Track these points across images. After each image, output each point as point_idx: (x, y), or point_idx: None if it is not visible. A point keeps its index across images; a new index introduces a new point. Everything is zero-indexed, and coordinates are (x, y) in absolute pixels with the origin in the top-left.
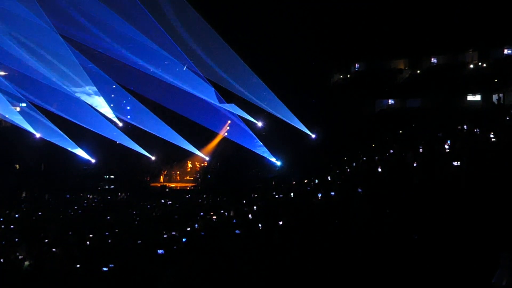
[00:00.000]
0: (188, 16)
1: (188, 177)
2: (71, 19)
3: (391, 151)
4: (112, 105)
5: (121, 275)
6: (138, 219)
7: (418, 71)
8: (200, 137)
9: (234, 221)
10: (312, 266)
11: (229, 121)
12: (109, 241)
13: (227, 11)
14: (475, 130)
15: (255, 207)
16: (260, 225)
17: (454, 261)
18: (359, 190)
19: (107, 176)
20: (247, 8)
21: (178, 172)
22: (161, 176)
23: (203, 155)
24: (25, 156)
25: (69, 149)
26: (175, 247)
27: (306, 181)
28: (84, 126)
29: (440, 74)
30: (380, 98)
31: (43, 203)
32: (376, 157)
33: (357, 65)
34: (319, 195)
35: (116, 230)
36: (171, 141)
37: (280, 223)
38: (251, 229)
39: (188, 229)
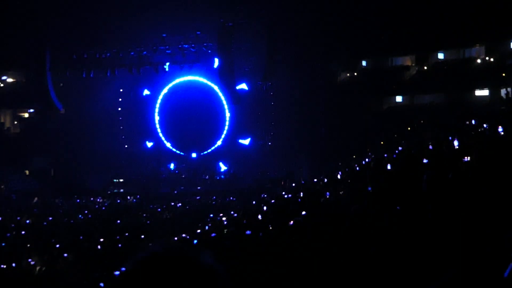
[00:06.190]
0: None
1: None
2: None
3: (400, 148)
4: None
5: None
6: (148, 222)
7: (425, 67)
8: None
9: (244, 222)
10: (322, 266)
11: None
12: (120, 245)
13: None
14: (484, 125)
15: (264, 208)
16: (270, 225)
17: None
18: (369, 188)
19: (116, 180)
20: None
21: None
22: None
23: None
24: (35, 162)
25: (80, 153)
26: None
27: (315, 180)
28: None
29: (448, 70)
30: (388, 95)
31: (53, 208)
32: (385, 155)
33: (363, 63)
34: (328, 194)
35: (127, 234)
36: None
37: (291, 223)
38: (261, 229)
39: (199, 231)
